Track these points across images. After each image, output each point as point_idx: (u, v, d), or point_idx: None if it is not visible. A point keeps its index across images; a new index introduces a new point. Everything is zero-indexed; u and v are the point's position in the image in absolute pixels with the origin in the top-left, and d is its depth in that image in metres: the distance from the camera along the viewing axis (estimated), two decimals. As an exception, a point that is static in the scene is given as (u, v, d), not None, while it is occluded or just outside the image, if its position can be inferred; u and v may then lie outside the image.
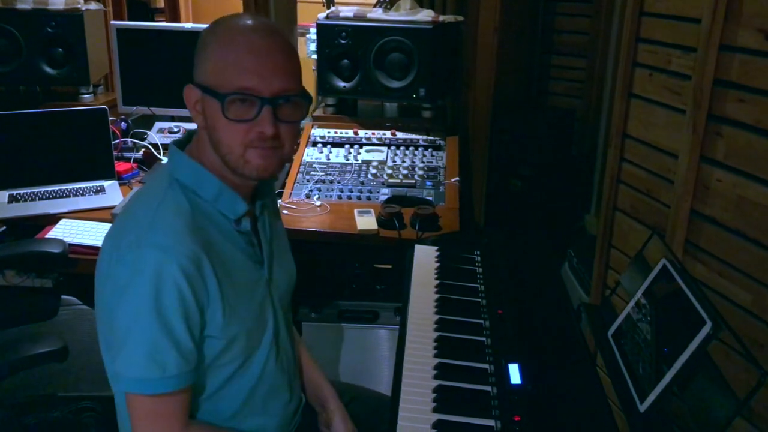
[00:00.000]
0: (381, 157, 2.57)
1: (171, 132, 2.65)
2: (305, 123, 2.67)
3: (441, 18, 2.61)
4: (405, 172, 2.48)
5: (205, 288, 1.13)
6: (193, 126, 2.79)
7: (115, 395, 1.23)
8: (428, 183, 2.42)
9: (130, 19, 3.50)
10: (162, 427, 1.12)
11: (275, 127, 1.15)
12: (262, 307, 1.27)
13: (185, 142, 1.26)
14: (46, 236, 2.06)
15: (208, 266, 1.12)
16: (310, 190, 2.35)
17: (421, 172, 2.47)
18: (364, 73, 2.60)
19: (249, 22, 1.16)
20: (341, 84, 2.64)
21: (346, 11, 2.65)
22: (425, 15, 2.60)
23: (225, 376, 1.22)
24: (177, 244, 1.10)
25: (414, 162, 2.54)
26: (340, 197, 2.34)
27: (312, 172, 2.46)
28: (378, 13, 2.64)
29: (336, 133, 2.66)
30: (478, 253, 1.75)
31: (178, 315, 1.09)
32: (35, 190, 2.32)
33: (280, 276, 1.36)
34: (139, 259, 1.08)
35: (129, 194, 2.32)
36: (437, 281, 1.61)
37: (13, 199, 2.27)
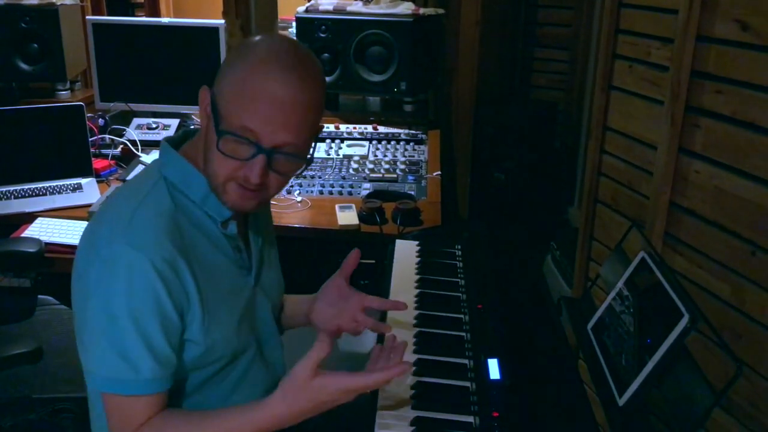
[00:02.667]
0: (362, 151, 2.55)
1: (149, 128, 2.62)
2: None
3: (421, 11, 2.60)
4: (387, 166, 2.46)
5: (184, 291, 1.10)
6: (169, 122, 2.74)
7: (88, 392, 1.21)
8: (410, 177, 2.41)
9: (109, 14, 3.45)
10: (132, 423, 1.09)
11: (263, 177, 1.09)
12: (245, 314, 1.24)
13: (179, 139, 1.23)
14: (22, 235, 2.03)
15: (185, 269, 1.09)
16: (291, 186, 2.33)
17: (402, 167, 2.46)
18: (344, 67, 2.59)
19: (286, 56, 1.07)
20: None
21: (326, 4, 2.63)
22: (405, 8, 2.58)
23: (201, 379, 1.20)
24: (152, 245, 1.06)
25: (396, 156, 2.53)
26: (321, 192, 2.32)
27: (293, 168, 2.43)
28: (358, 6, 2.62)
29: (317, 127, 2.64)
30: (459, 247, 1.74)
31: (153, 318, 1.06)
32: (10, 188, 2.28)
33: (269, 285, 1.32)
34: (111, 256, 1.06)
35: (107, 191, 2.28)
36: (418, 276, 1.60)
37: (-12, 197, 2.23)
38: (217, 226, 1.18)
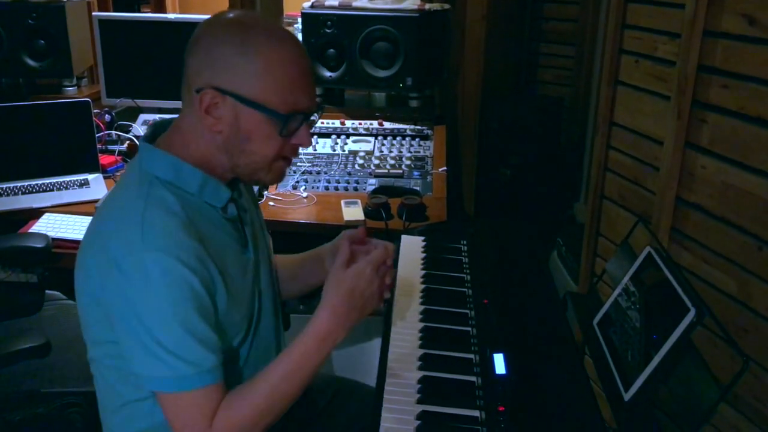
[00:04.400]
0: (368, 147, 2.55)
1: (156, 124, 2.63)
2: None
3: (427, 6, 2.59)
4: (392, 162, 2.46)
5: (211, 279, 1.12)
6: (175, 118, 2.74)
7: (98, 387, 1.22)
8: (416, 173, 2.41)
9: (116, 11, 3.46)
10: (203, 416, 1.10)
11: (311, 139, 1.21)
12: (252, 290, 1.26)
13: (153, 136, 1.22)
14: (29, 231, 2.04)
15: (207, 257, 1.11)
16: (297, 182, 2.33)
17: (408, 162, 2.46)
18: (350, 63, 2.58)
19: (277, 31, 1.15)
20: (327, 74, 2.62)
21: (332, 0, 2.63)
22: (411, 3, 2.58)
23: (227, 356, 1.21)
24: (176, 243, 1.07)
25: (401, 152, 2.53)
26: (326, 188, 2.32)
27: (298, 163, 2.44)
28: (364, 2, 2.62)
29: (322, 123, 2.64)
30: (465, 242, 1.74)
31: (194, 312, 1.08)
32: (18, 184, 2.29)
33: (263, 249, 1.35)
34: (141, 265, 1.05)
35: (113, 187, 2.29)
36: (423, 272, 1.60)
37: (-5, 193, 2.25)
38: (217, 212, 1.20)
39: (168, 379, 1.08)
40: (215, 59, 1.12)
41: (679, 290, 1.18)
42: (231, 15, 1.17)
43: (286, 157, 1.20)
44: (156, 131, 1.23)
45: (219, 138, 1.16)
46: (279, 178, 1.23)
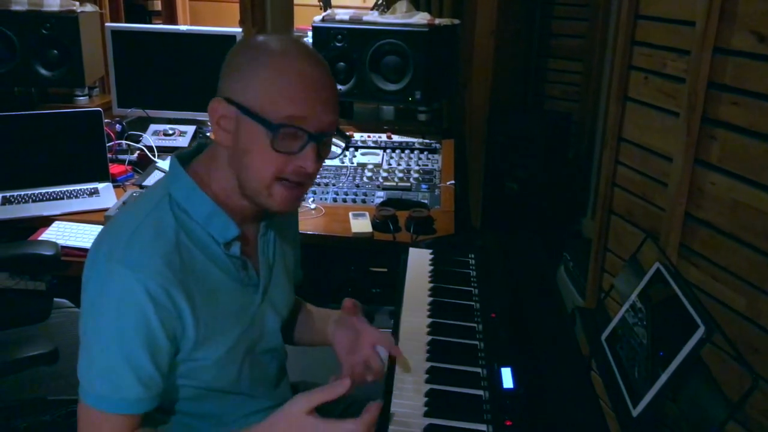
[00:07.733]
0: (376, 159, 2.56)
1: (166, 134, 2.64)
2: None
3: (437, 21, 2.61)
4: (400, 175, 2.47)
5: (178, 315, 1.08)
6: (186, 128, 2.76)
7: None
8: (423, 186, 2.41)
9: (127, 22, 3.50)
10: None
11: (315, 164, 1.10)
12: (249, 330, 1.22)
13: (192, 154, 1.21)
14: (39, 238, 2.05)
15: (180, 293, 1.07)
16: (305, 193, 2.34)
17: (416, 175, 2.47)
18: (359, 76, 2.60)
19: (296, 47, 1.11)
20: (337, 87, 2.64)
21: (342, 14, 2.65)
22: (421, 18, 2.60)
23: (202, 387, 1.19)
24: (147, 267, 1.04)
25: (409, 165, 2.54)
26: (335, 200, 2.33)
27: (307, 175, 2.45)
28: (374, 16, 2.64)
29: (331, 135, 2.65)
30: (473, 256, 1.74)
31: (139, 341, 1.05)
32: (29, 192, 2.31)
33: (279, 298, 1.29)
34: (107, 275, 1.04)
35: (123, 196, 2.31)
36: (431, 284, 1.60)
37: (6, 201, 2.26)
38: (219, 246, 1.15)
39: (89, 393, 1.06)
40: (230, 69, 1.11)
41: (689, 307, 1.17)
42: (260, 35, 1.16)
43: (287, 180, 1.10)
44: (199, 149, 1.21)
45: (227, 154, 1.12)
46: (285, 204, 1.13)
